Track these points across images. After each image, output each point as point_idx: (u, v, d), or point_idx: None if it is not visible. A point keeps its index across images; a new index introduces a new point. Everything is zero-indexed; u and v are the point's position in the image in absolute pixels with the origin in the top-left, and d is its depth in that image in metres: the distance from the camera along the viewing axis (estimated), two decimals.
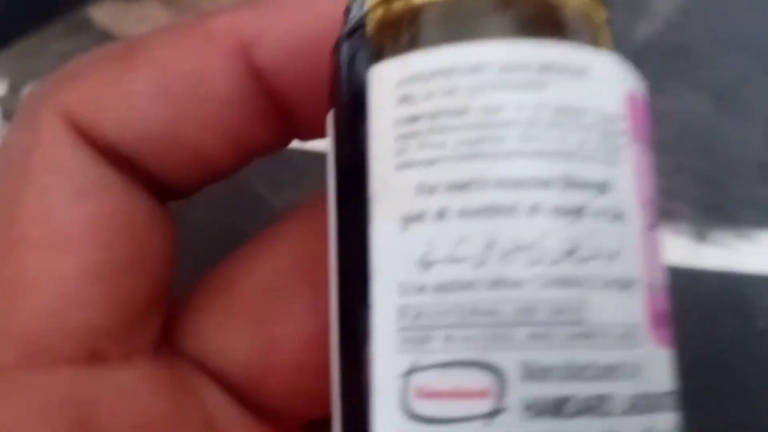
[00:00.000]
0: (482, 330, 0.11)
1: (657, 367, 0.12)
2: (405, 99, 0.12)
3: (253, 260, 0.16)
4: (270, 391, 0.15)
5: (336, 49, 0.14)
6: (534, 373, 0.11)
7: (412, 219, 0.12)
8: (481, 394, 0.11)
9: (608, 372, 0.11)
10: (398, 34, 0.13)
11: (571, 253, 0.11)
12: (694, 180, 0.25)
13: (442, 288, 0.11)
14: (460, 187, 0.12)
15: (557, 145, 0.12)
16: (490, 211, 0.11)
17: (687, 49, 0.27)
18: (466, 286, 0.11)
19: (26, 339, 0.14)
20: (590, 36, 0.13)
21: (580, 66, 0.12)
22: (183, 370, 0.15)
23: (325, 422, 0.13)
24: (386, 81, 0.12)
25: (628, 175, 0.12)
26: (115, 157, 0.15)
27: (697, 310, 0.24)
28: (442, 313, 0.11)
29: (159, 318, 0.15)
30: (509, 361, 0.11)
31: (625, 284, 0.12)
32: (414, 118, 0.12)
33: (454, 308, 0.11)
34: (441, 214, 0.12)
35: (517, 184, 0.12)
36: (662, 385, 0.12)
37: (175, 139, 0.15)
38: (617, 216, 0.12)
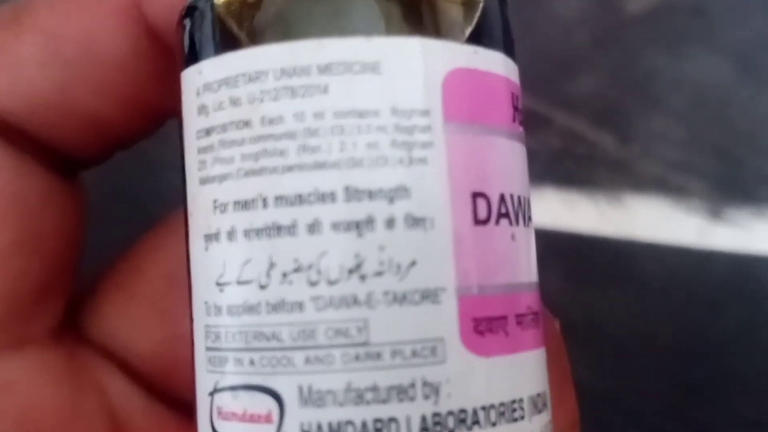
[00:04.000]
0: (264, 354, 0.11)
1: (472, 380, 0.11)
2: (202, 109, 0.12)
3: (158, 248, 0.16)
4: (176, 382, 0.15)
5: (178, 24, 0.13)
6: (311, 398, 0.11)
7: (210, 238, 0.12)
8: (266, 418, 0.11)
9: (396, 393, 0.11)
10: (202, 35, 0.12)
11: (354, 270, 0.11)
12: (710, 153, 0.22)
13: (232, 311, 0.11)
14: (245, 205, 0.11)
15: (339, 154, 0.11)
16: (271, 230, 0.11)
17: (706, 10, 0.23)
18: (251, 309, 0.11)
19: None
20: (393, 23, 0.11)
21: (369, 61, 0.11)
22: (85, 359, 0.15)
23: None
24: (190, 88, 0.12)
25: (434, 173, 0.11)
26: (5, 129, 0.14)
27: (706, 294, 0.22)
28: (232, 335, 0.11)
29: (58, 302, 0.15)
30: (287, 386, 0.11)
31: (424, 296, 0.11)
32: (209, 131, 0.12)
33: (241, 331, 0.11)
34: (231, 234, 0.11)
35: (296, 200, 0.11)
36: (480, 399, 0.11)
37: (67, 105, 0.14)
38: (417, 222, 0.11)
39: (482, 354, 0.11)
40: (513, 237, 0.12)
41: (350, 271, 0.11)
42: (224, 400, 0.11)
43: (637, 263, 0.24)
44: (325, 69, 0.11)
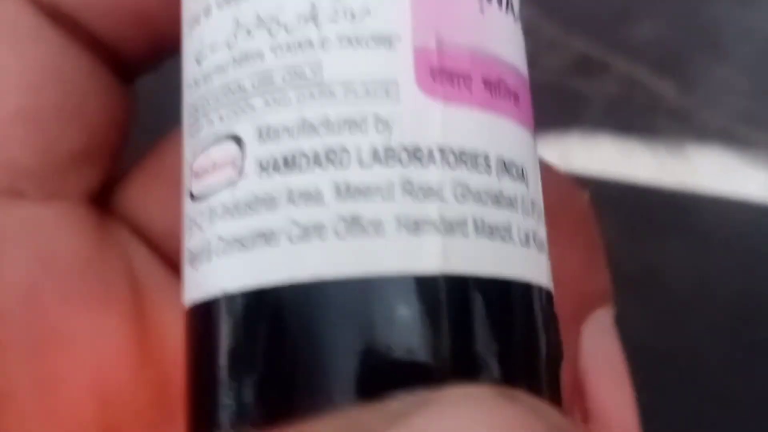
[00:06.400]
0: (231, 108, 0.12)
1: (427, 120, 0.11)
2: None
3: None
4: None
5: None
6: (267, 134, 0.11)
7: (193, 22, 0.13)
8: (230, 164, 0.12)
9: (348, 126, 0.11)
10: None
11: (310, 18, 0.11)
12: None
13: (207, 77, 0.12)
14: None
15: None
16: None
17: None
18: (221, 69, 0.12)
19: None
20: None
21: None
22: (114, 228, 0.16)
23: None
24: None
25: None
26: (56, 14, 0.15)
27: None
28: (207, 99, 0.12)
29: (96, 172, 0.16)
30: (247, 128, 0.11)
31: (377, 41, 0.11)
32: None
33: (213, 92, 0.12)
34: (207, 11, 0.12)
35: None
36: (436, 139, 0.11)
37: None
38: None
39: (439, 99, 0.11)
40: (481, 10, 0.12)
41: (306, 20, 0.11)
42: (199, 160, 0.12)
43: (699, 216, 0.23)
44: None
